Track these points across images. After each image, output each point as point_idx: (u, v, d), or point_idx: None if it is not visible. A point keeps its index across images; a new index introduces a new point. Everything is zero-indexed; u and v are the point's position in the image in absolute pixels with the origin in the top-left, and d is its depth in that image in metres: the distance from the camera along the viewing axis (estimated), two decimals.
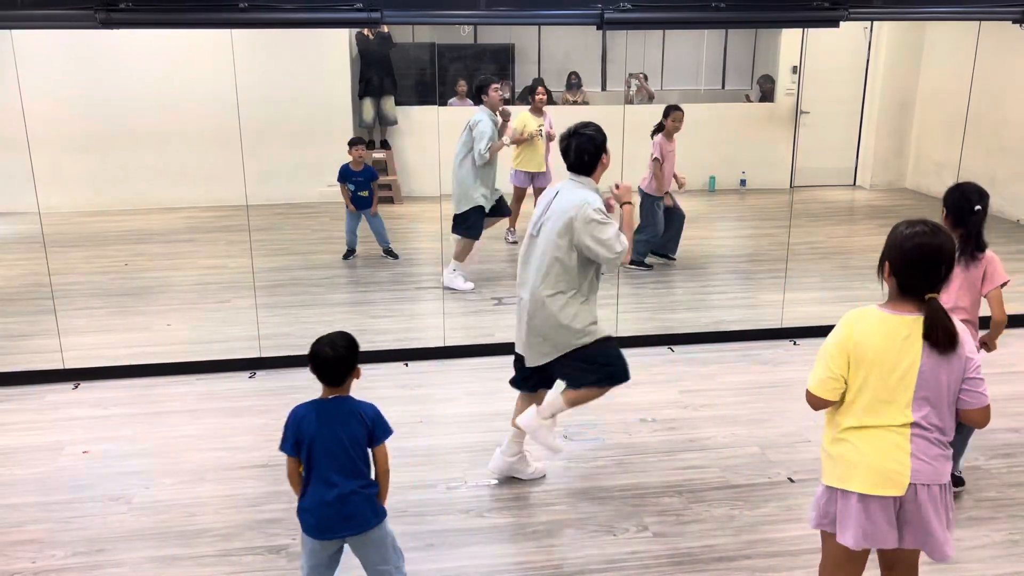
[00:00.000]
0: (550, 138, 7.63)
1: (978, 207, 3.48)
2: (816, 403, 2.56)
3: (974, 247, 3.50)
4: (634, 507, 3.73)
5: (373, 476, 2.80)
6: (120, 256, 7.65)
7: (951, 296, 3.42)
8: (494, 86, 6.69)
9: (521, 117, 7.65)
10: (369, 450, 2.77)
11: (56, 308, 5.39)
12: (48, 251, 5.53)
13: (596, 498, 3.80)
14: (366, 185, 7.32)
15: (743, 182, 10.51)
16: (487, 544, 3.49)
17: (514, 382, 3.88)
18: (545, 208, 3.62)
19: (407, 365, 5.20)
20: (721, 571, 3.32)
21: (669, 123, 7.05)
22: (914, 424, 2.43)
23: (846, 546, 2.51)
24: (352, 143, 7.42)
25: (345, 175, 7.34)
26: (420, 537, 3.50)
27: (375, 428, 2.76)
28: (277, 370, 5.14)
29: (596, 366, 3.63)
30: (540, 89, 7.82)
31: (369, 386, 5.00)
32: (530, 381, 3.81)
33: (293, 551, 3.43)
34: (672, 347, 5.50)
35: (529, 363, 3.69)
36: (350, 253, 7.50)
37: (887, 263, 2.47)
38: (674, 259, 7.32)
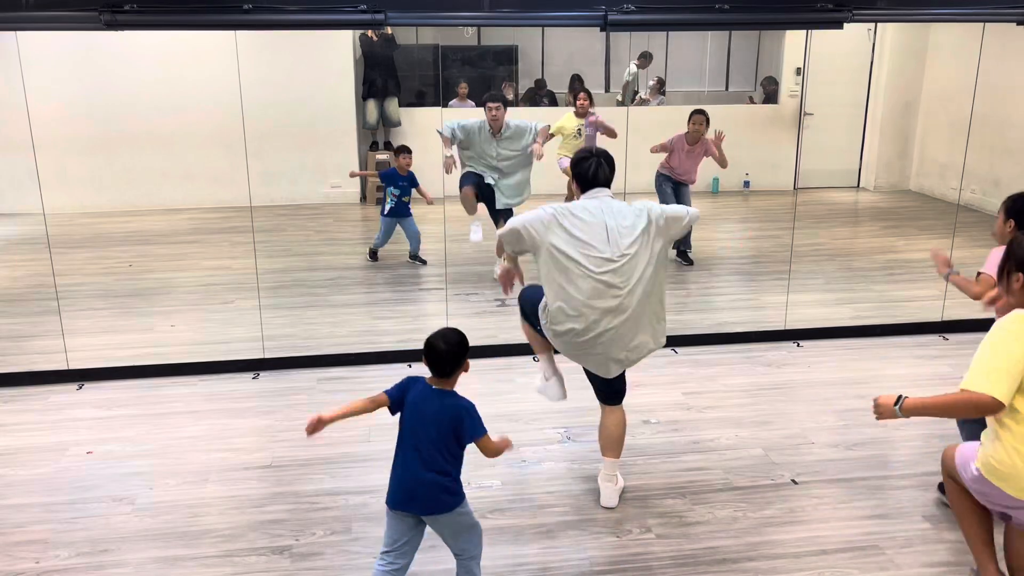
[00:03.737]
0: (606, 134, 7.54)
1: None
2: (994, 406, 2.60)
3: None
4: (637, 509, 3.73)
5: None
6: (124, 257, 7.66)
7: None
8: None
9: (567, 116, 7.83)
10: (470, 444, 2.94)
11: (60, 309, 5.40)
12: (52, 252, 5.54)
13: (599, 499, 3.80)
14: (408, 191, 7.23)
15: (747, 184, 10.51)
16: (489, 545, 3.49)
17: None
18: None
19: (411, 366, 5.20)
20: (724, 573, 3.31)
21: (689, 127, 7.19)
22: None
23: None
24: (399, 151, 7.32)
25: (391, 178, 7.23)
26: (423, 538, 3.49)
27: (464, 430, 2.89)
28: (281, 371, 5.15)
29: None
30: (582, 95, 7.82)
31: (372, 387, 5.01)
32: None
33: (296, 552, 3.43)
34: (675, 349, 5.50)
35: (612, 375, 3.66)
36: (375, 255, 7.44)
37: (1019, 275, 2.67)
38: (689, 261, 7.40)
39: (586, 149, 3.70)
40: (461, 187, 6.74)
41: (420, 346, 5.32)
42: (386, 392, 2.96)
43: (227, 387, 4.98)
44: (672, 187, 7.32)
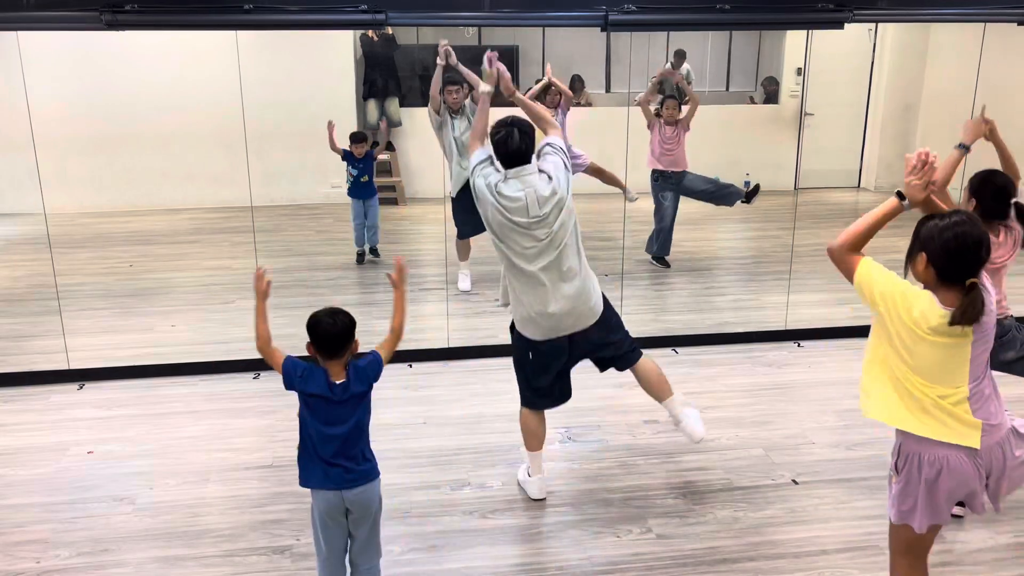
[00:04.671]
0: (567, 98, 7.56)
1: (1015, 200, 3.53)
2: (845, 255, 2.69)
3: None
4: (637, 509, 3.73)
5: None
6: (125, 257, 7.66)
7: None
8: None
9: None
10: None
11: (61, 309, 5.40)
12: (53, 252, 5.54)
13: (599, 500, 3.80)
14: (365, 172, 7.26)
15: (747, 184, 10.49)
16: (490, 545, 3.49)
17: (543, 403, 3.79)
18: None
19: (411, 366, 5.21)
20: (724, 573, 3.31)
21: (664, 112, 7.29)
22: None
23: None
24: (353, 138, 7.33)
25: (347, 158, 7.30)
26: (423, 538, 3.50)
27: (371, 377, 2.87)
28: None
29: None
30: (552, 90, 7.79)
31: (375, 387, 5.00)
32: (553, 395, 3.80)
33: (297, 552, 3.43)
34: (676, 349, 5.49)
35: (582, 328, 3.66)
36: (363, 256, 7.43)
37: (922, 255, 2.48)
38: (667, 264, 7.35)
39: (502, 120, 3.57)
40: (460, 236, 6.61)
41: (420, 346, 5.41)
42: (287, 359, 2.91)
43: (227, 387, 4.98)
44: (672, 192, 7.24)
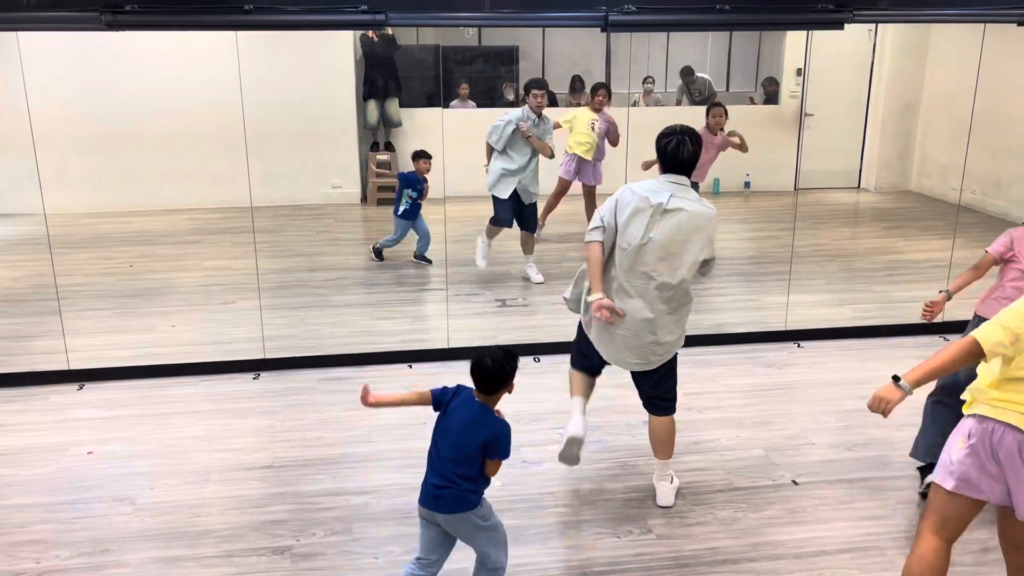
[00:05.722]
0: (610, 139, 7.72)
1: None
2: (973, 346, 2.63)
3: None
4: (638, 509, 3.73)
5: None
6: (125, 257, 7.66)
7: None
8: (533, 91, 6.75)
9: (583, 109, 7.87)
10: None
11: (61, 309, 5.40)
12: (53, 252, 5.54)
13: (600, 500, 3.80)
14: (423, 193, 7.28)
15: (747, 184, 10.50)
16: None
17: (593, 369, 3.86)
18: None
19: (411, 367, 5.21)
20: (724, 574, 3.32)
21: (709, 120, 7.18)
22: None
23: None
24: (419, 156, 7.28)
25: (411, 182, 7.23)
26: None
27: (490, 447, 2.87)
28: (281, 371, 5.15)
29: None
30: (601, 92, 7.85)
31: (373, 388, 5.00)
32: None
33: (297, 552, 3.44)
34: None
35: (640, 369, 3.70)
36: (380, 252, 7.43)
37: None
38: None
39: (671, 126, 3.62)
40: (496, 223, 6.80)
41: (421, 346, 5.42)
42: (432, 389, 2.98)
43: (228, 387, 4.98)
44: None
